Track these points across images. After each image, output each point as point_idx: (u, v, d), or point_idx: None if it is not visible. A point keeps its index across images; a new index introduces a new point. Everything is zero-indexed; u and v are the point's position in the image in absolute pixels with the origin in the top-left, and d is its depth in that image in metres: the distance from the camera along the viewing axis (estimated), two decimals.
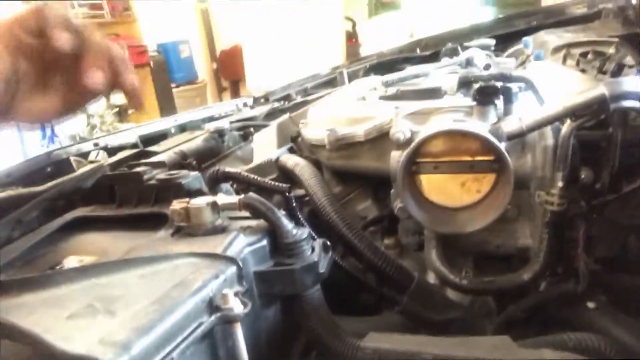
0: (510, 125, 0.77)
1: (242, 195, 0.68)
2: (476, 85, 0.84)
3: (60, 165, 1.28)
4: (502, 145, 0.76)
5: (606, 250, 0.87)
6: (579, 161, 0.79)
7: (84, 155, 1.36)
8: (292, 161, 1.04)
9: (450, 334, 0.69)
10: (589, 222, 0.82)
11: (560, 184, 0.76)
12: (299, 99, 2.00)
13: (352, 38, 6.16)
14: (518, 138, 0.79)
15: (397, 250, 1.07)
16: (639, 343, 0.71)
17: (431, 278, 0.96)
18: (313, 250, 0.68)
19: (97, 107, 5.03)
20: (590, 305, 0.79)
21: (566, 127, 0.75)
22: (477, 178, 0.82)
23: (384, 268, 0.89)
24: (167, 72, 6.29)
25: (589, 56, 1.32)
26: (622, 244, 0.87)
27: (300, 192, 0.99)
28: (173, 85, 6.43)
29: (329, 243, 0.72)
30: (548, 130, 0.81)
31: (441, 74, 1.28)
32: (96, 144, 1.42)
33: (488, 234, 0.87)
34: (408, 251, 1.05)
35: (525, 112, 0.80)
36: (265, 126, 1.47)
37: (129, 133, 1.55)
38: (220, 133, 1.41)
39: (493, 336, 0.73)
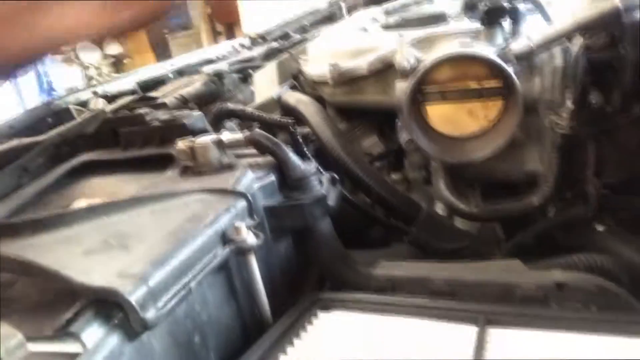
0: (519, 45, 0.75)
1: (248, 132, 0.67)
2: (483, 7, 0.80)
3: (61, 115, 1.26)
4: (511, 69, 0.74)
5: (616, 174, 0.86)
6: (589, 83, 0.77)
7: (84, 104, 1.34)
8: (295, 98, 1.03)
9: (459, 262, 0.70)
10: (599, 146, 0.81)
11: (570, 105, 0.74)
12: (298, 37, 1.93)
13: None
14: (527, 59, 0.76)
15: (405, 185, 1.07)
16: None
17: (439, 209, 0.96)
18: (321, 183, 0.68)
19: (93, 58, 4.94)
20: (600, 227, 0.79)
21: (576, 44, 0.72)
22: (485, 105, 0.81)
23: (391, 200, 0.89)
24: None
25: None
26: (632, 168, 0.86)
27: (305, 130, 0.97)
28: (166, 31, 6.23)
29: (336, 176, 0.72)
30: (557, 52, 0.78)
31: None
32: (95, 92, 1.40)
33: (495, 161, 0.86)
34: (415, 185, 1.05)
35: (533, 31, 0.77)
36: None
37: (127, 80, 1.51)
38: (219, 76, 1.38)
39: (503, 260, 0.74)
